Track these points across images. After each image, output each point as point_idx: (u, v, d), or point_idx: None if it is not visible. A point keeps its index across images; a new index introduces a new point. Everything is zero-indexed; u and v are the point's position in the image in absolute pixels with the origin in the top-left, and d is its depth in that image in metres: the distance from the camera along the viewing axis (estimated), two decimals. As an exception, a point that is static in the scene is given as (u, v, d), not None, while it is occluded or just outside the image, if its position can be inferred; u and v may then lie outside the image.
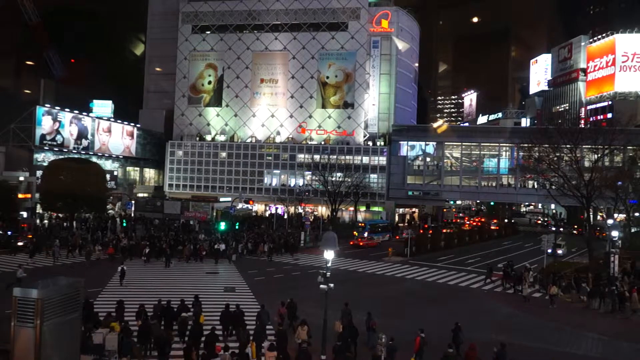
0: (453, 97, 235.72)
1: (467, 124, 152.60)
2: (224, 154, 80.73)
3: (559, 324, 25.61)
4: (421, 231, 60.25)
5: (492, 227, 69.98)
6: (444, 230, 62.90)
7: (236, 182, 79.06)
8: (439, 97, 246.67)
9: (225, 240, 42.92)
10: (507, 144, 72.24)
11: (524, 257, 46.35)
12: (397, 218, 76.55)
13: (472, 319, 24.55)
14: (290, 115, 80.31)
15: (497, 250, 52.44)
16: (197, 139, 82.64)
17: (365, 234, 53.71)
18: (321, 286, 17.42)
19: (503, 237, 64.96)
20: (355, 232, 54.64)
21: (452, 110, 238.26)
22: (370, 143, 77.00)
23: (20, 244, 40.18)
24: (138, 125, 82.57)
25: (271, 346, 16.91)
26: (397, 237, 56.73)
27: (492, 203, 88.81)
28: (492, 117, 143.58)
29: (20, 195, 54.00)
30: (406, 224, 75.48)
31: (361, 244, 51.47)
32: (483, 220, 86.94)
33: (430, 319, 21.72)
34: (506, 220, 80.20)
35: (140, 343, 18.26)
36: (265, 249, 42.48)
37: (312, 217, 67.57)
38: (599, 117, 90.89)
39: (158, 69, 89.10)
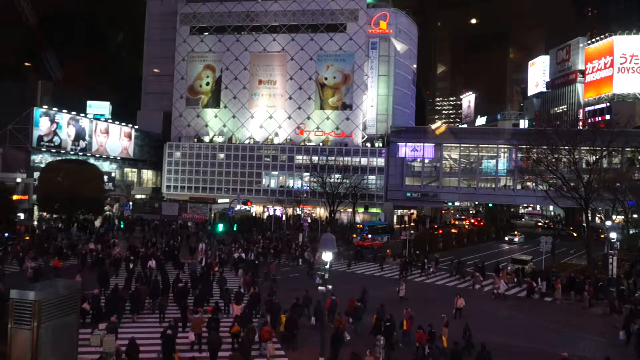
0: (451, 98, 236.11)
1: (465, 126, 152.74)
2: (222, 156, 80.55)
3: (559, 325, 25.57)
4: (431, 230, 60.44)
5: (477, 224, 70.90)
6: (453, 230, 63.11)
7: (234, 184, 78.83)
8: (438, 99, 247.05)
9: (244, 247, 39.50)
10: (506, 146, 72.19)
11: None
12: (395, 219, 76.40)
13: (470, 319, 24.43)
14: (288, 117, 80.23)
15: (495, 252, 52.39)
16: (195, 140, 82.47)
17: (369, 235, 53.71)
18: (319, 288, 17.33)
19: (502, 239, 64.93)
20: (353, 235, 54.59)
21: (451, 111, 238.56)
22: (368, 144, 76.91)
23: None
24: (136, 127, 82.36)
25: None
26: (399, 239, 56.73)
27: (490, 205, 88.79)
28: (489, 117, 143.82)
29: (17, 197, 53.79)
30: (407, 224, 75.27)
31: (365, 245, 51.53)
32: (466, 219, 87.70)
33: (430, 317, 21.75)
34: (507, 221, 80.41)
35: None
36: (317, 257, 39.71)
37: (310, 219, 67.43)
38: (597, 119, 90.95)
39: (156, 70, 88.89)
